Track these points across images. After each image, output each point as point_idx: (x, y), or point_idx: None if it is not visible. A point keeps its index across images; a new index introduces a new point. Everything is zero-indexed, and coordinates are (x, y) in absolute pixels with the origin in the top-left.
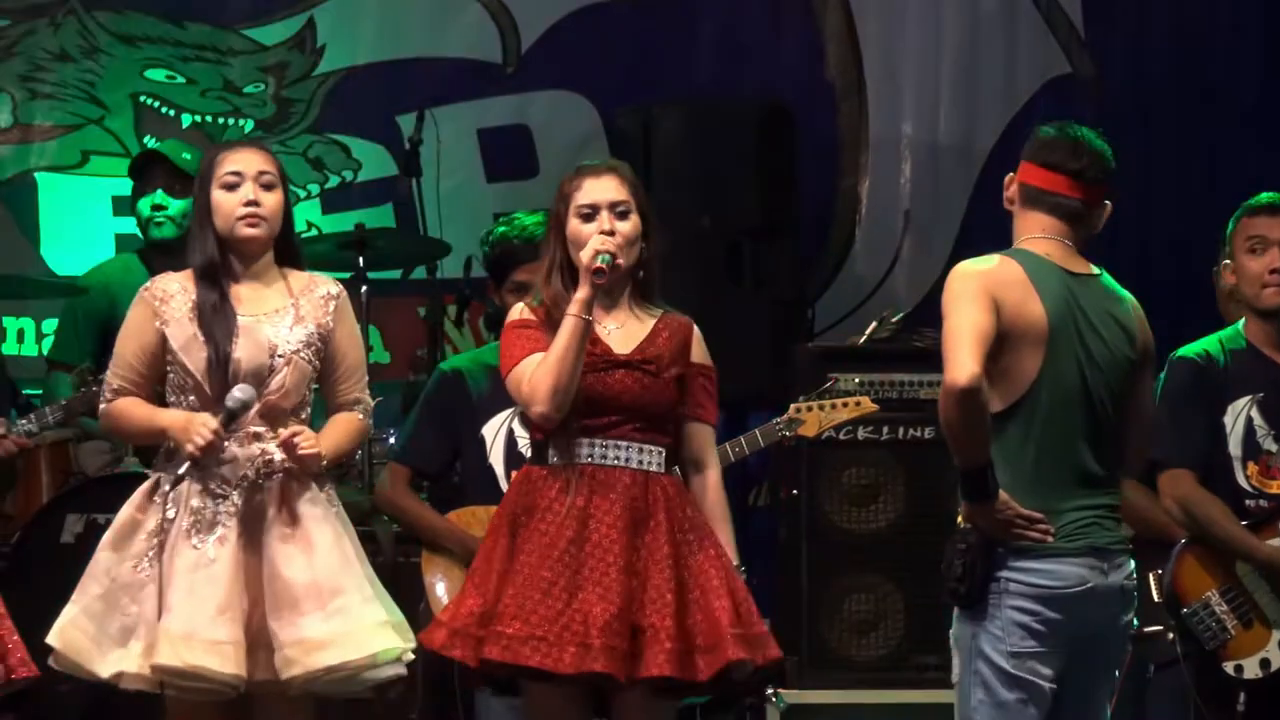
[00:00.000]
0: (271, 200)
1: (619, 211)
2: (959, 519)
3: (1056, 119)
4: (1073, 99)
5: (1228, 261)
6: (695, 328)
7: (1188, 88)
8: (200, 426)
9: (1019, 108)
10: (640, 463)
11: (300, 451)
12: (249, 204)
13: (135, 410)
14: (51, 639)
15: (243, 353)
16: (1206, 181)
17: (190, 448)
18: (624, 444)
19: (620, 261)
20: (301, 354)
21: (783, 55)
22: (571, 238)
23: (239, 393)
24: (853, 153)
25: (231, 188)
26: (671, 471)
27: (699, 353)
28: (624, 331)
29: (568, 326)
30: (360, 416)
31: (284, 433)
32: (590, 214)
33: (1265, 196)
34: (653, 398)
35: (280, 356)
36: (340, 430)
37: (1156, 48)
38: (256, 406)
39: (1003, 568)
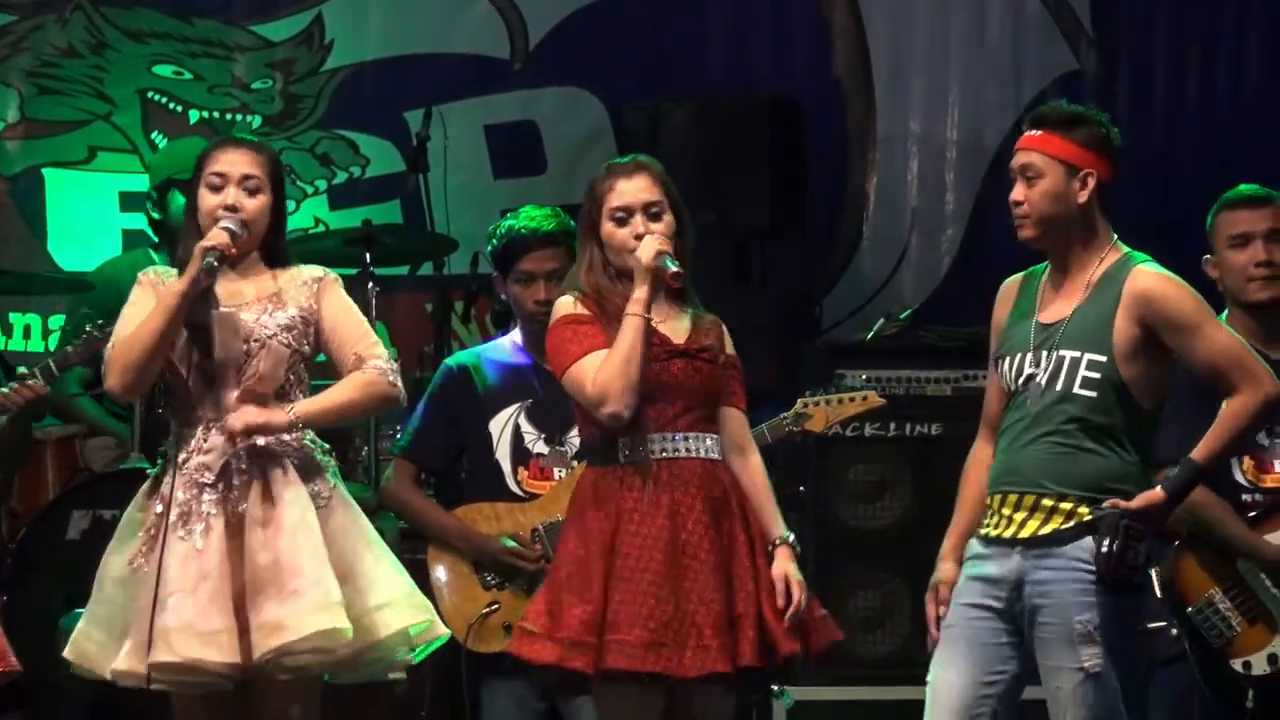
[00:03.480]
0: (253, 204)
1: (652, 213)
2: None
3: None
4: (1080, 96)
5: (1208, 256)
6: (723, 324)
7: (1195, 84)
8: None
9: (1026, 104)
10: (707, 451)
11: (232, 427)
12: (227, 208)
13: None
14: (67, 653)
15: (220, 340)
16: (1215, 177)
17: (212, 242)
18: (692, 435)
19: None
20: (279, 337)
21: (791, 52)
22: (606, 240)
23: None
24: (860, 150)
25: (215, 189)
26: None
27: (729, 345)
28: (669, 325)
29: (632, 325)
30: (367, 374)
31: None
32: (624, 217)
33: (1245, 188)
34: (712, 386)
35: (255, 341)
36: (336, 388)
37: (1163, 44)
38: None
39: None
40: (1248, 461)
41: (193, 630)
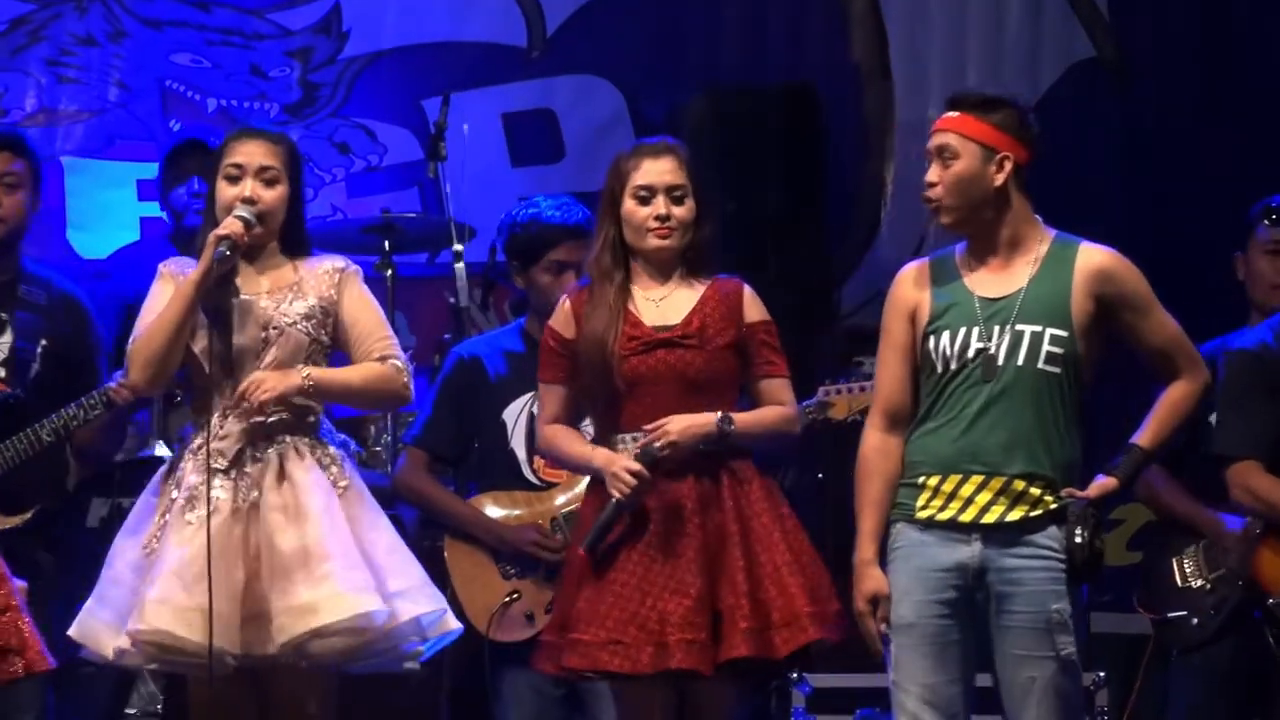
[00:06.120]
0: (271, 196)
1: (675, 196)
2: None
3: (1080, 103)
4: (1097, 82)
5: (1239, 254)
6: (746, 287)
7: (1213, 71)
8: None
9: (1044, 91)
10: (700, 444)
11: (253, 398)
12: (245, 200)
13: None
14: (71, 631)
15: (239, 328)
16: (1231, 167)
17: (225, 231)
18: None
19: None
20: (298, 325)
21: (808, 38)
22: (626, 217)
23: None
24: (878, 136)
25: (233, 180)
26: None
27: (754, 311)
28: (670, 301)
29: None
30: (383, 367)
31: (241, 386)
32: (647, 196)
33: None
34: (698, 370)
35: (274, 329)
36: (355, 368)
37: (1181, 30)
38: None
39: None
40: None
41: (169, 604)
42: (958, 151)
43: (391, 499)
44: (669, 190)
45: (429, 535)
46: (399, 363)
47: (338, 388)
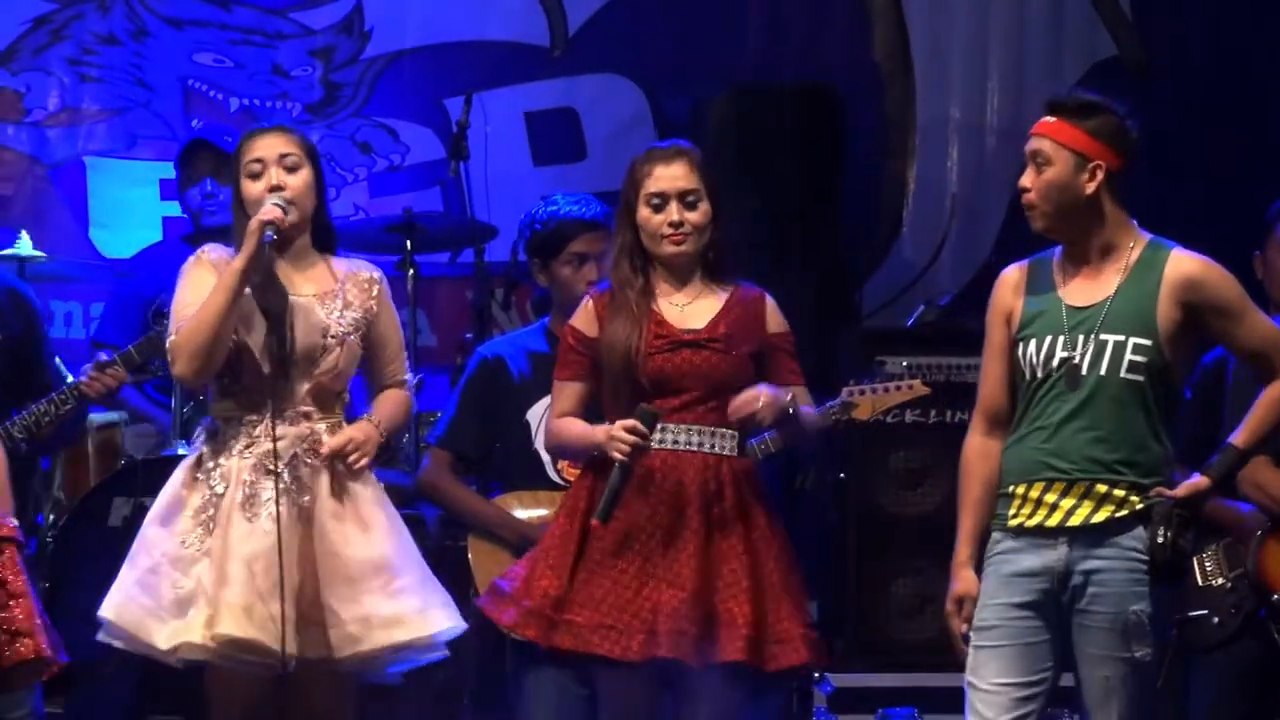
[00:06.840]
0: (297, 181)
1: (688, 201)
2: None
3: None
4: (1120, 82)
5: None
6: (769, 298)
7: (1235, 71)
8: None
9: (1066, 91)
10: (712, 447)
11: (351, 464)
12: (274, 189)
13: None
14: (105, 611)
15: (298, 330)
16: (1249, 167)
17: (267, 216)
18: (695, 428)
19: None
20: (352, 337)
21: (830, 37)
22: (641, 225)
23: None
24: (900, 136)
25: (256, 176)
26: (747, 454)
27: (775, 321)
28: (695, 306)
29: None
30: (407, 394)
31: (333, 442)
32: (660, 204)
33: None
34: (722, 376)
35: (333, 338)
36: (393, 405)
37: (1204, 30)
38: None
39: None
40: None
41: (256, 612)
42: (1051, 158)
43: (413, 498)
44: (681, 195)
45: (450, 535)
46: (412, 383)
47: (391, 431)
